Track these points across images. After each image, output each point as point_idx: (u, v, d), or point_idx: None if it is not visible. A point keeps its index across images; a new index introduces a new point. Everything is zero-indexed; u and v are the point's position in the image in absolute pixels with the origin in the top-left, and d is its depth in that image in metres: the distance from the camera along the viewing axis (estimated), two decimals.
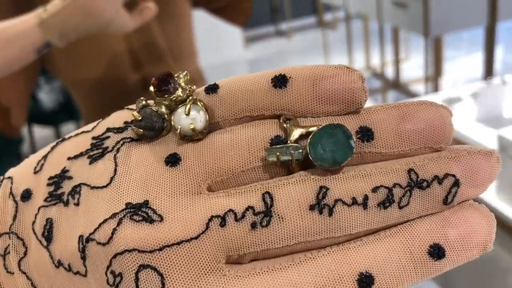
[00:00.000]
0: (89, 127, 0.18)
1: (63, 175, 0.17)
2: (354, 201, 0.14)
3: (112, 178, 0.16)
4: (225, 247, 0.14)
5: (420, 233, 0.15)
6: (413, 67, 3.62)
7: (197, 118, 0.16)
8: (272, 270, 0.14)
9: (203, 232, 0.14)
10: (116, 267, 0.14)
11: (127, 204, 0.15)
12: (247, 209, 0.14)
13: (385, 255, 0.14)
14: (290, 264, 0.14)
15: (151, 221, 0.14)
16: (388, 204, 0.15)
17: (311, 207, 0.14)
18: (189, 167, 0.15)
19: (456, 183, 0.15)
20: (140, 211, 0.15)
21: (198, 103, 0.16)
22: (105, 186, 0.16)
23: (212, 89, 0.17)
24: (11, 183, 0.18)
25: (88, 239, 0.15)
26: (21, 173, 0.18)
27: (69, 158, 0.17)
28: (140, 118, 0.16)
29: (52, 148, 0.18)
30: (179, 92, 0.16)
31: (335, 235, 0.14)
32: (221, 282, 0.14)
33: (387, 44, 3.07)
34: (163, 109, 0.16)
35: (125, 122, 0.17)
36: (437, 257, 0.14)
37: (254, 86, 0.16)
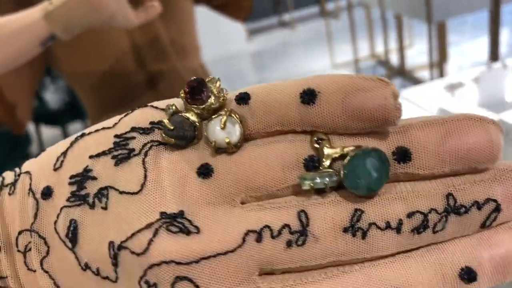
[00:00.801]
0: (109, 123, 0.18)
1: (86, 174, 0.16)
2: (388, 225, 0.14)
3: (142, 185, 0.15)
4: (260, 261, 0.15)
5: (453, 254, 0.14)
6: (418, 53, 3.60)
7: (232, 132, 0.15)
8: (305, 283, 0.14)
9: (239, 246, 0.14)
10: (151, 277, 0.14)
11: (162, 214, 0.15)
12: (283, 226, 0.14)
13: (417, 274, 0.14)
14: (323, 278, 0.14)
15: (188, 232, 0.15)
16: (422, 230, 0.14)
17: (345, 230, 0.14)
18: (222, 180, 0.15)
19: (497, 209, 0.14)
20: (176, 222, 0.15)
21: (234, 115, 0.15)
22: (136, 193, 0.15)
23: (243, 99, 0.16)
24: (30, 179, 0.17)
25: (120, 247, 0.15)
26: (39, 169, 0.18)
27: (91, 157, 0.17)
28: (172, 127, 0.16)
29: (72, 144, 0.18)
30: (212, 100, 0.16)
31: (367, 256, 0.15)
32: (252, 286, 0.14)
33: (390, 31, 3.05)
34: (194, 118, 0.16)
35: (151, 123, 0.17)
36: (468, 280, 0.14)
37: (284, 98, 0.16)
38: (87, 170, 0.17)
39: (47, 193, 0.17)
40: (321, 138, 0.15)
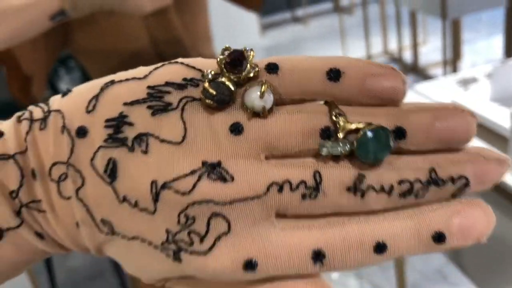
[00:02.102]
0: (139, 73, 0.19)
1: (122, 120, 0.18)
2: (382, 189, 0.18)
3: (184, 137, 0.18)
4: (278, 207, 0.18)
5: (429, 220, 0.18)
6: (431, 50, 3.59)
7: (268, 100, 0.18)
8: (310, 227, 0.18)
9: (264, 194, 0.18)
10: (191, 212, 0.18)
11: (203, 163, 0.18)
12: (300, 182, 0.18)
13: (399, 231, 0.18)
14: (325, 225, 0.18)
15: (225, 180, 0.18)
16: (408, 194, 0.18)
17: (348, 189, 0.18)
18: (251, 138, 0.18)
19: (467, 184, 0.18)
20: (215, 170, 0.18)
21: (269, 85, 0.18)
22: (179, 143, 0.18)
23: (273, 69, 0.19)
24: (63, 118, 0.19)
25: (164, 186, 0.18)
26: (72, 109, 0.19)
27: (125, 104, 0.19)
28: (214, 92, 0.18)
29: (102, 90, 0.19)
30: (248, 70, 0.18)
31: (362, 210, 0.18)
32: (271, 230, 0.18)
33: (404, 28, 3.05)
34: (231, 84, 0.18)
35: (184, 79, 0.19)
36: (438, 241, 0.18)
37: (312, 74, 0.18)
38: (122, 116, 0.19)
39: (82, 132, 0.19)
40: (339, 113, 0.18)
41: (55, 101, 0.20)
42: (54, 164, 0.19)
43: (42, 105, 0.20)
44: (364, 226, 0.18)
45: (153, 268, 0.19)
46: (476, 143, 0.86)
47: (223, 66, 0.18)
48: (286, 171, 0.18)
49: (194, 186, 0.17)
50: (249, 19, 4.80)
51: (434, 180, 0.18)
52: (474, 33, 3.80)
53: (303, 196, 0.18)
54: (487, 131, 0.89)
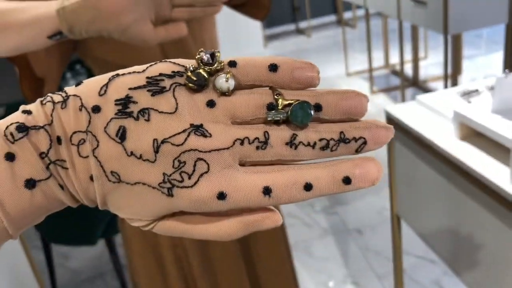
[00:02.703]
0: (138, 68, 0.26)
1: (127, 99, 0.25)
2: (308, 144, 0.26)
3: (176, 109, 0.25)
4: (241, 156, 0.25)
5: (341, 168, 0.25)
6: (432, 65, 3.63)
7: (231, 83, 0.26)
8: (262, 171, 0.26)
9: (231, 146, 0.25)
10: (182, 158, 0.25)
11: (191, 125, 0.25)
12: (255, 138, 0.25)
13: (322, 175, 0.25)
14: (272, 170, 0.26)
15: (205, 136, 0.25)
16: (326, 148, 0.26)
17: (286, 143, 0.26)
18: (221, 109, 0.26)
19: (365, 143, 0.26)
20: (199, 130, 0.25)
21: (232, 74, 0.26)
22: (173, 113, 0.25)
23: (233, 64, 0.26)
24: (80, 99, 0.25)
25: (164, 141, 0.25)
26: (86, 94, 0.26)
27: (130, 88, 0.25)
28: (195, 78, 0.26)
29: (110, 80, 0.26)
30: (217, 64, 0.26)
31: (296, 159, 0.26)
32: (236, 173, 0.25)
33: (405, 42, 3.09)
34: (205, 74, 0.26)
35: (173, 71, 0.26)
36: (346, 183, 0.25)
37: (258, 67, 0.26)
38: (128, 97, 0.25)
39: (96, 109, 0.25)
40: (278, 94, 0.26)
41: (70, 89, 0.26)
42: (74, 132, 0.25)
43: (59, 92, 0.26)
44: (297, 171, 0.25)
45: (150, 207, 0.26)
46: (479, 154, 0.89)
47: (200, 61, 0.26)
48: (246, 131, 0.26)
49: (185, 139, 0.25)
50: (254, 30, 4.84)
51: (343, 139, 0.25)
52: (474, 50, 3.85)
53: (257, 148, 0.25)
54: (489, 142, 0.91)
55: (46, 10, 0.60)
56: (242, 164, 0.26)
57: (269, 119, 0.26)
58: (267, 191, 0.25)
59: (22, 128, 0.25)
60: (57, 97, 0.26)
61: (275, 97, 0.26)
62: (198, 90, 0.26)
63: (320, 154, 0.26)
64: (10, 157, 0.24)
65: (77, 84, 0.26)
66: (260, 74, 0.26)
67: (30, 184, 0.25)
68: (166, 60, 0.27)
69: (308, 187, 0.25)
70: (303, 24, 5.32)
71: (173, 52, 0.84)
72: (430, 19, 2.15)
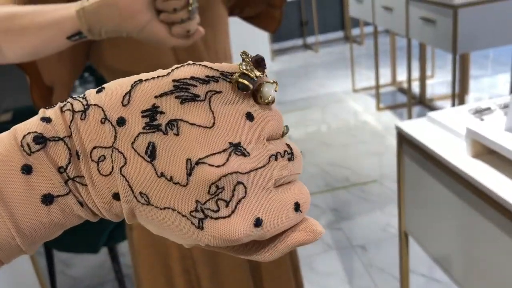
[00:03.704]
0: (162, 72, 0.24)
1: (155, 110, 0.23)
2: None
3: (213, 123, 0.23)
4: (277, 173, 0.24)
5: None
6: (438, 84, 3.63)
7: (274, 95, 0.24)
8: (288, 189, 0.25)
9: (267, 163, 0.23)
10: (222, 182, 0.22)
11: (230, 143, 0.23)
12: (284, 151, 0.24)
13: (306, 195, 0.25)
14: (297, 185, 0.25)
15: (245, 155, 0.23)
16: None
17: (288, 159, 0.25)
18: (259, 124, 0.24)
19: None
20: (238, 149, 0.23)
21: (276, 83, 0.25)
22: (210, 128, 0.22)
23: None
24: (103, 111, 0.23)
25: (199, 162, 0.22)
26: (109, 104, 0.23)
27: (156, 97, 0.23)
28: (243, 83, 0.23)
29: (133, 87, 0.23)
30: (264, 71, 0.25)
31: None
32: (270, 194, 0.24)
33: (413, 60, 3.09)
34: (254, 77, 0.24)
35: (207, 76, 0.23)
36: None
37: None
38: (155, 107, 0.23)
39: (122, 122, 0.23)
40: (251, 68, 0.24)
41: (91, 96, 0.24)
42: (94, 148, 0.23)
43: (80, 98, 0.24)
44: (302, 184, 0.25)
45: (177, 234, 0.24)
46: (491, 171, 0.88)
47: (250, 64, 0.24)
48: (276, 147, 0.24)
49: (227, 160, 0.22)
50: (262, 45, 4.87)
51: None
52: (480, 70, 3.85)
53: (288, 159, 0.24)
54: (502, 160, 0.90)
55: (65, 11, 0.61)
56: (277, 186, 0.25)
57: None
58: (297, 207, 0.24)
59: (40, 139, 0.23)
60: (78, 105, 0.24)
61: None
62: (246, 90, 0.24)
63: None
64: (27, 169, 0.22)
65: (99, 90, 0.24)
66: None
67: (48, 199, 0.23)
68: (195, 63, 0.24)
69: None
70: (311, 39, 5.34)
71: (187, 60, 0.84)
72: (439, 38, 2.16)
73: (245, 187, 0.22)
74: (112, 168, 0.23)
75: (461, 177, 0.91)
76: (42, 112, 0.24)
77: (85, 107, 0.23)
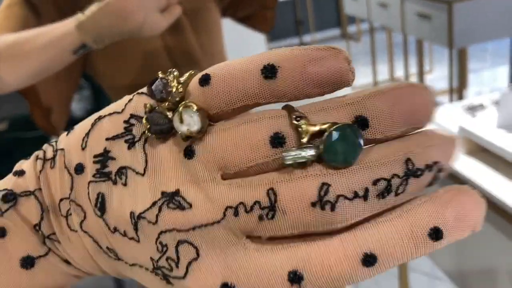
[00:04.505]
0: (119, 107, 0.20)
1: (106, 155, 0.19)
2: (356, 195, 0.16)
3: (145, 169, 0.18)
4: (241, 230, 0.17)
5: (421, 216, 0.16)
6: (437, 79, 3.61)
7: (191, 123, 0.17)
8: (286, 248, 0.17)
9: (222, 219, 0.17)
10: (163, 239, 0.18)
11: (163, 193, 0.18)
12: (254, 203, 0.16)
13: (389, 237, 0.16)
14: (302, 244, 0.17)
15: (183, 208, 0.17)
16: (386, 194, 0.16)
17: (313, 204, 0.16)
18: (202, 160, 0.17)
19: (440, 169, 0.17)
20: (174, 200, 0.17)
21: (190, 106, 0.17)
22: (142, 175, 0.18)
23: (205, 80, 0.17)
24: (64, 156, 0.20)
25: (139, 217, 0.18)
26: (71, 147, 0.20)
27: (107, 139, 0.19)
28: (148, 126, 0.18)
29: (92, 126, 0.20)
30: (173, 93, 0.17)
31: (337, 226, 0.16)
32: (242, 253, 0.17)
33: (410, 56, 3.08)
34: (166, 112, 0.18)
35: (145, 108, 0.19)
36: (436, 238, 0.16)
37: (246, 74, 0.17)
38: (106, 151, 0.19)
39: (80, 169, 0.20)
40: (299, 116, 0.16)
41: (62, 139, 0.21)
42: (61, 200, 0.20)
43: (53, 143, 0.21)
44: (346, 238, 0.16)
45: None
46: (484, 169, 0.87)
47: (151, 95, 0.18)
48: (240, 192, 0.17)
49: (157, 217, 0.18)
50: (258, 45, 4.85)
51: (412, 171, 0.16)
52: (479, 63, 3.83)
53: (260, 217, 0.16)
54: (495, 158, 0.89)
55: (64, 28, 0.63)
56: (255, 236, 0.17)
57: (287, 163, 0.16)
58: (295, 278, 0.16)
59: (10, 196, 0.20)
60: (49, 152, 0.21)
61: (294, 122, 0.16)
62: (164, 138, 0.18)
63: (376, 207, 0.16)
64: (0, 232, 0.20)
65: (68, 132, 0.21)
66: (250, 85, 0.17)
67: (27, 263, 0.20)
68: (142, 91, 0.20)
69: (368, 260, 0.16)
70: (307, 38, 5.33)
71: (183, 63, 0.84)
72: (435, 33, 2.15)
73: (195, 247, 0.17)
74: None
75: (453, 175, 0.90)
76: (19, 165, 0.22)
77: (54, 153, 0.21)
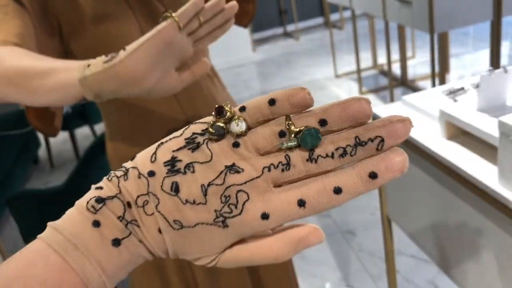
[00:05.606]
0: (177, 133, 0.32)
1: (174, 160, 0.31)
2: (327, 155, 0.29)
3: (211, 157, 0.30)
4: (272, 180, 0.30)
5: (366, 166, 0.28)
6: (420, 64, 3.64)
7: (242, 126, 0.30)
8: (293, 187, 0.29)
9: (261, 174, 0.30)
10: (226, 193, 0.29)
11: (225, 166, 0.30)
12: (279, 163, 0.29)
13: (348, 177, 0.28)
14: (303, 184, 0.29)
15: (238, 172, 0.30)
16: (344, 155, 0.28)
17: (307, 160, 0.29)
18: (245, 147, 0.30)
19: (382, 140, 0.28)
20: (232, 168, 0.30)
21: (240, 118, 0.31)
22: (210, 160, 0.30)
23: (243, 108, 0.31)
24: (137, 170, 0.31)
25: (210, 184, 0.30)
26: (141, 163, 0.31)
27: (173, 151, 0.31)
28: (213, 131, 0.31)
29: (157, 148, 0.31)
30: (228, 114, 0.31)
31: (319, 171, 0.29)
32: (272, 194, 0.29)
33: (393, 42, 3.09)
34: (222, 124, 0.31)
35: (202, 130, 0.31)
36: (373, 177, 0.28)
37: (261, 105, 0.30)
38: (174, 158, 0.31)
39: (152, 174, 0.31)
40: (290, 123, 0.30)
41: (127, 164, 0.32)
42: (138, 196, 0.31)
43: (120, 169, 0.32)
44: (324, 179, 0.29)
45: (212, 242, 0.30)
46: (466, 153, 0.88)
47: (215, 116, 0.31)
48: (270, 159, 0.30)
49: (224, 179, 0.30)
50: (242, 36, 4.83)
51: (359, 142, 0.28)
52: (461, 48, 3.87)
53: (282, 170, 0.29)
54: (476, 141, 0.91)
55: (67, 76, 0.61)
56: (278, 185, 0.30)
57: (283, 147, 0.29)
58: (301, 203, 0.29)
59: (100, 200, 0.30)
60: (119, 173, 0.32)
61: (287, 126, 0.29)
62: (220, 139, 0.31)
63: (341, 162, 0.28)
64: (96, 224, 0.30)
65: (132, 158, 0.32)
66: (264, 109, 0.30)
67: (116, 242, 0.30)
68: (199, 122, 0.32)
69: (337, 190, 0.28)
70: (290, 27, 5.32)
71: None
72: (415, 19, 2.16)
73: (246, 193, 0.29)
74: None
75: (436, 159, 0.91)
76: (94, 187, 0.32)
77: (125, 172, 0.31)
